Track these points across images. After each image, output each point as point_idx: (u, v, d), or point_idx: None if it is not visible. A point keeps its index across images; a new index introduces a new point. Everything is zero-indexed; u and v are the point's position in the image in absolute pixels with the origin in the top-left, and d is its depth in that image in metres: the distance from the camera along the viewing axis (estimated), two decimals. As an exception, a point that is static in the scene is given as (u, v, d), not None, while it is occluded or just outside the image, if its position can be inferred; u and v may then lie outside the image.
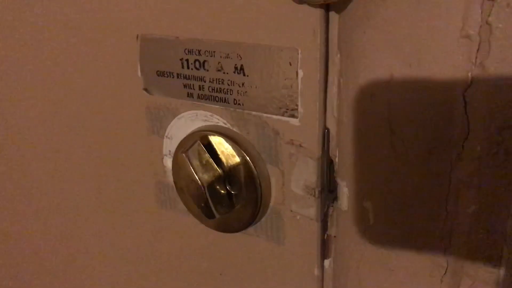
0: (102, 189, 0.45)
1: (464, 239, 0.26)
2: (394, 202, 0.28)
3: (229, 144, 0.34)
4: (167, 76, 0.36)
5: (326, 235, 0.33)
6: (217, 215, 0.34)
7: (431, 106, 0.25)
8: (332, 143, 0.31)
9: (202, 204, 0.33)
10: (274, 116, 0.32)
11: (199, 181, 0.33)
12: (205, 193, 0.33)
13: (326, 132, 0.31)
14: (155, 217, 0.42)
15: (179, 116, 0.36)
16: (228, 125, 0.34)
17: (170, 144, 0.38)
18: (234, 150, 0.34)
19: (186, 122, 0.36)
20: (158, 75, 0.36)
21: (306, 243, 0.34)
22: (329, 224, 0.33)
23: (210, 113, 0.35)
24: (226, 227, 0.36)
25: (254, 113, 0.33)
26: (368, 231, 0.30)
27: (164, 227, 0.41)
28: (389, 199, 0.28)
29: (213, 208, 0.34)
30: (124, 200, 0.43)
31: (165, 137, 0.38)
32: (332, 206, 0.33)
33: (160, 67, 0.36)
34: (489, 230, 0.25)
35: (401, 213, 0.28)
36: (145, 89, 0.37)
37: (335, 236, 0.33)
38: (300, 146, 0.31)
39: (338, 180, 0.31)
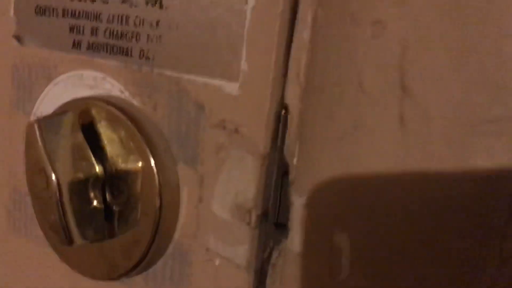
0: None
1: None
2: (396, 233, 0.14)
3: (123, 127, 0.20)
4: (50, 15, 0.23)
5: (261, 299, 0.19)
6: (79, 241, 0.19)
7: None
8: (291, 132, 0.18)
9: (52, 217, 0.19)
10: (200, 79, 0.19)
11: (51, 173, 0.19)
12: (60, 197, 0.19)
13: (283, 113, 0.18)
14: (4, 247, 0.27)
15: (56, 80, 0.23)
16: (126, 94, 0.21)
17: (39, 128, 0.24)
18: (129, 137, 0.20)
19: (64, 89, 0.23)
20: (38, 14, 0.23)
21: (226, 312, 0.19)
22: (269, 280, 0.19)
23: (101, 75, 0.22)
24: (94, 268, 0.21)
25: (168, 73, 0.20)
26: (338, 295, 0.16)
27: (11, 262, 0.26)
28: (384, 228, 0.14)
29: (72, 227, 0.19)
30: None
31: (32, 114, 0.24)
32: (278, 248, 0.19)
33: (42, 1, 0.23)
34: None
35: (406, 256, 0.14)
36: (16, 37, 0.24)
37: (276, 303, 0.19)
38: (236, 131, 0.18)
39: (294, 196, 0.17)
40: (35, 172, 0.19)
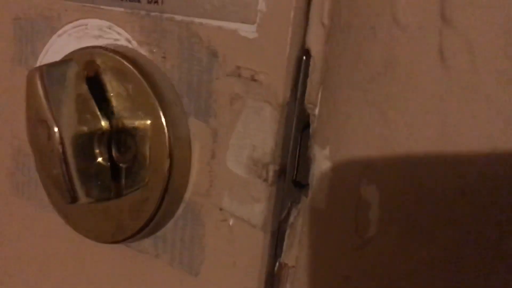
0: None
1: None
2: (433, 185, 0.13)
3: (130, 79, 0.19)
4: (51, -39, 0.21)
5: (278, 263, 0.18)
6: (83, 199, 0.18)
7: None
8: (313, 79, 0.16)
9: (54, 172, 0.18)
10: (212, 22, 0.17)
11: (53, 124, 0.17)
12: (63, 150, 0.17)
13: (304, 58, 0.16)
14: (6, 210, 0.25)
15: (60, 31, 0.22)
16: (133, 44, 0.19)
17: (42, 85, 0.23)
18: (136, 90, 0.19)
19: (68, 41, 0.21)
20: (39, -39, 0.22)
21: (239, 276, 0.18)
22: (286, 242, 0.18)
23: (107, 23, 0.20)
24: (99, 230, 0.20)
25: (179, 18, 0.18)
26: (364, 253, 0.14)
27: (14, 225, 0.25)
28: (420, 179, 0.13)
29: (76, 183, 0.18)
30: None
31: (35, 70, 0.23)
32: (297, 208, 0.17)
33: None
34: None
35: (445, 213, 0.13)
36: (17, -13, 0.23)
37: (293, 267, 0.17)
38: (253, 79, 0.17)
39: (316, 148, 0.16)
40: (36, 123, 0.18)
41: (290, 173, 0.18)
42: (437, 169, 0.13)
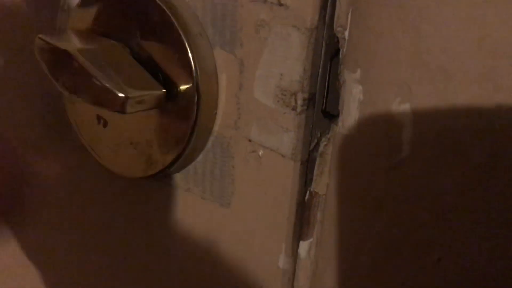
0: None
1: None
2: (474, 99, 0.12)
3: (155, 11, 0.18)
4: None
5: (308, 191, 0.18)
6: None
7: None
8: (342, 2, 0.15)
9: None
10: None
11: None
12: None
13: (332, -21, 0.16)
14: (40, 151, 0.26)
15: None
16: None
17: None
18: (161, 22, 0.18)
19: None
20: None
21: (269, 206, 0.18)
22: (316, 171, 0.18)
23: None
24: (131, 167, 0.20)
25: None
26: (396, 175, 0.14)
27: (49, 170, 0.26)
28: (458, 93, 0.12)
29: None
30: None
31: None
32: (327, 137, 0.17)
33: None
34: None
35: (483, 131, 0.12)
36: None
37: (324, 195, 0.17)
38: (279, 4, 0.16)
39: (346, 73, 0.15)
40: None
41: (320, 103, 0.17)
42: (474, 83, 0.12)
